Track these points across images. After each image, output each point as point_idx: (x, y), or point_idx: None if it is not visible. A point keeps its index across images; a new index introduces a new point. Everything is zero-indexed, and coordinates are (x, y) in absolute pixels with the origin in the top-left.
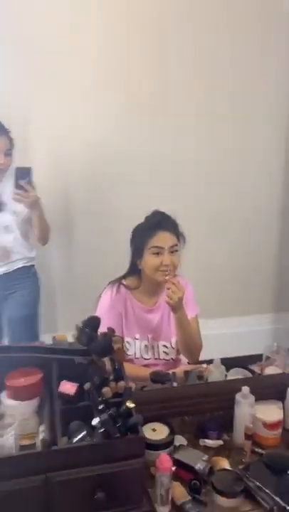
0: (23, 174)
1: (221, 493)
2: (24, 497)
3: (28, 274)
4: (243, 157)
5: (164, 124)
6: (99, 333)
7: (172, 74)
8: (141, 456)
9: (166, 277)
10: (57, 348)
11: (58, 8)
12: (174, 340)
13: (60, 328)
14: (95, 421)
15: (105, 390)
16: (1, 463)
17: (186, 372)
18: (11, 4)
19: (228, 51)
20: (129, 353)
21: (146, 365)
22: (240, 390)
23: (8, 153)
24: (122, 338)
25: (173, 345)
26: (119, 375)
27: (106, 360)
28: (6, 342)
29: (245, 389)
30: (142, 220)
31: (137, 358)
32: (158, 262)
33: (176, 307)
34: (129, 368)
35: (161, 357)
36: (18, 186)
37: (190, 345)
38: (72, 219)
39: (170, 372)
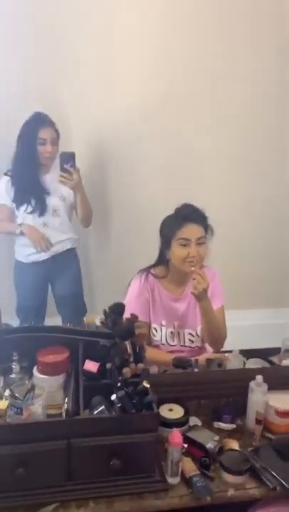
0: (68, 158)
1: (228, 470)
2: (49, 458)
3: (72, 255)
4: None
5: (199, 112)
6: (124, 318)
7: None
8: (154, 431)
9: (192, 268)
10: (84, 330)
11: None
12: (199, 328)
13: (97, 310)
14: (114, 397)
15: (125, 370)
16: (31, 427)
17: (208, 360)
18: None
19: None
20: (155, 339)
21: (171, 352)
22: (255, 378)
23: (55, 143)
24: (149, 324)
25: (198, 334)
26: (138, 357)
27: (127, 343)
28: (58, 320)
29: (259, 377)
30: (173, 203)
31: (163, 344)
32: (185, 253)
33: (201, 297)
34: (154, 353)
35: (186, 344)
36: (63, 169)
37: (214, 334)
38: (108, 204)
39: (193, 359)
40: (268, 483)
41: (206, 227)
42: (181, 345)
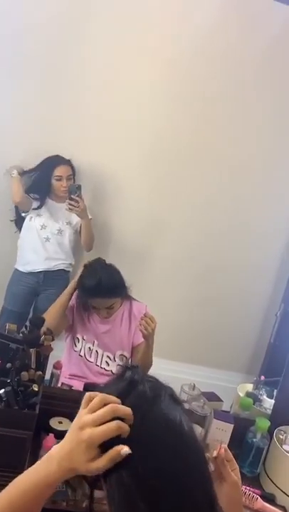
0: (75, 190)
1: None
2: None
3: (63, 277)
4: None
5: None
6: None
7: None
8: (29, 430)
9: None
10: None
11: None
12: (118, 354)
13: None
14: (2, 391)
15: (23, 373)
16: None
17: None
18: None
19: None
20: (76, 349)
21: (89, 368)
22: None
23: (70, 178)
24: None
25: (116, 359)
26: (40, 366)
27: (33, 351)
28: None
29: None
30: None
31: (81, 356)
32: (97, 311)
33: (148, 337)
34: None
35: (102, 365)
36: (70, 199)
37: (144, 365)
38: (108, 236)
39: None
40: None
41: (117, 295)
42: (97, 365)
